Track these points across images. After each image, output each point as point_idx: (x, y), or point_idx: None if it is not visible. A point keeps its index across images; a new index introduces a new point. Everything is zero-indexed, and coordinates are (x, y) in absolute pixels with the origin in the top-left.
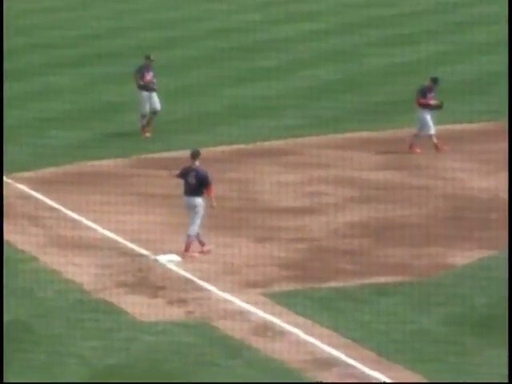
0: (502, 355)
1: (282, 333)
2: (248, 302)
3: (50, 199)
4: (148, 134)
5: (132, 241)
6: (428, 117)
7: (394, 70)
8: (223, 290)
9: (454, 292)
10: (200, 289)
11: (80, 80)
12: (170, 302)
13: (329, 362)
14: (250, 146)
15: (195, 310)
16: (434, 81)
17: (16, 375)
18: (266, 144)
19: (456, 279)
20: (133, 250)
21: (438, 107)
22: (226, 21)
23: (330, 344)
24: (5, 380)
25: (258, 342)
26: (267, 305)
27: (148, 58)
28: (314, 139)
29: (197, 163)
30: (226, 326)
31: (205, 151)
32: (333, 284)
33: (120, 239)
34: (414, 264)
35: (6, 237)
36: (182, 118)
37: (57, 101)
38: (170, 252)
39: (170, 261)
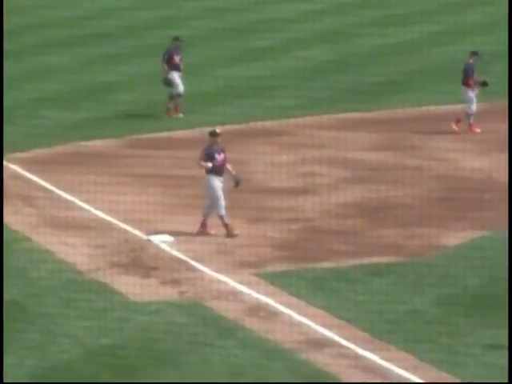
0: (495, 335)
1: (275, 313)
2: (241, 283)
3: (44, 179)
4: (181, 114)
5: (125, 221)
6: (473, 95)
7: (388, 51)
8: (216, 271)
9: (446, 272)
10: (193, 269)
11: (74, 60)
12: (164, 283)
13: (322, 343)
14: (243, 126)
15: (188, 290)
16: (476, 55)
17: (10, 355)
18: (260, 124)
19: (449, 260)
20: (126, 230)
21: (485, 84)
22: (221, 0)
23: (323, 324)
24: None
25: (251, 323)
26: (260, 285)
27: (177, 39)
28: (307, 119)
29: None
30: (220, 307)
31: (198, 131)
32: (326, 264)
33: (113, 219)
34: (407, 244)
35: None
36: None
37: (50, 81)
38: (163, 232)
39: (163, 241)
